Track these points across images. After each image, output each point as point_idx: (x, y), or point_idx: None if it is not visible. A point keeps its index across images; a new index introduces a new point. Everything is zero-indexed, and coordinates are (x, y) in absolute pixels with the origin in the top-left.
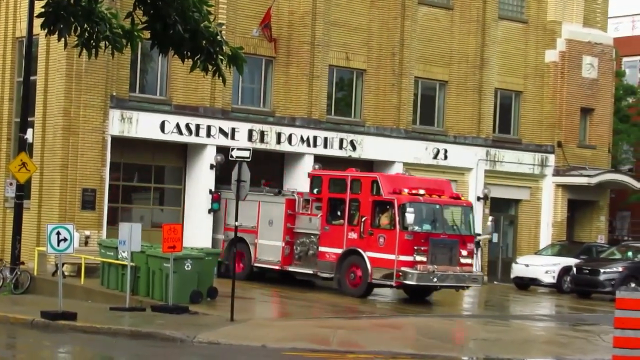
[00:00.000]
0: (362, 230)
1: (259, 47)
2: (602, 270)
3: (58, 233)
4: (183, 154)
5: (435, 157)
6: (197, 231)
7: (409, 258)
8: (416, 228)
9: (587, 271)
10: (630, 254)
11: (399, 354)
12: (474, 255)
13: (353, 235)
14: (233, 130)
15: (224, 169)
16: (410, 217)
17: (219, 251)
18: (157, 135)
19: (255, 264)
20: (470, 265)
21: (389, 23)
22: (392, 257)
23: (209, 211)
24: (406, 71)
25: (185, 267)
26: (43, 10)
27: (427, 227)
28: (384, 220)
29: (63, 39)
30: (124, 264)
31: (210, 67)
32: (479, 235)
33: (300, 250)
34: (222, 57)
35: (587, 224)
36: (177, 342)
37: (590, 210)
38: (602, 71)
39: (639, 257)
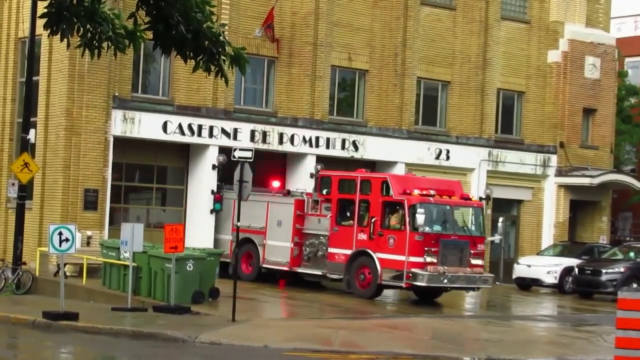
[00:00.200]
0: (372, 231)
1: (261, 47)
2: (604, 271)
3: (60, 233)
4: (185, 154)
5: (437, 157)
6: (199, 231)
7: (419, 259)
8: (426, 229)
9: (589, 272)
10: (632, 254)
11: (400, 354)
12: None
13: (363, 236)
14: (235, 130)
15: (226, 169)
16: (420, 218)
17: (221, 251)
18: (159, 135)
19: (264, 265)
20: (481, 266)
21: (392, 23)
22: (402, 258)
23: (211, 211)
24: (408, 71)
25: (187, 267)
26: (46, 10)
27: (437, 228)
28: (394, 221)
29: (66, 40)
30: (125, 264)
31: (212, 67)
32: (491, 237)
33: (309, 252)
34: (224, 58)
35: (589, 224)
36: (179, 342)
37: (592, 211)
38: (604, 71)
39: None
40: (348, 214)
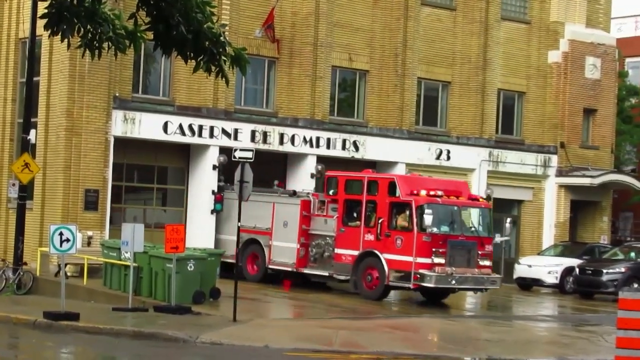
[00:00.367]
0: (379, 231)
1: (261, 48)
2: (604, 271)
3: (61, 233)
4: (186, 154)
5: (438, 157)
6: (200, 232)
7: (427, 260)
8: (434, 230)
9: (590, 272)
10: (632, 254)
11: (401, 354)
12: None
13: (370, 237)
14: (236, 131)
15: (227, 170)
16: (428, 219)
17: (221, 252)
18: (159, 136)
19: (270, 266)
20: (489, 267)
21: (392, 24)
22: (409, 259)
23: (212, 212)
24: (409, 72)
25: (188, 267)
26: (46, 11)
27: (445, 228)
28: (402, 221)
29: (66, 40)
30: (126, 265)
31: (213, 68)
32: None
33: (315, 252)
34: (225, 58)
35: (589, 224)
36: (180, 342)
37: (593, 211)
38: (605, 72)
39: None
40: (355, 214)
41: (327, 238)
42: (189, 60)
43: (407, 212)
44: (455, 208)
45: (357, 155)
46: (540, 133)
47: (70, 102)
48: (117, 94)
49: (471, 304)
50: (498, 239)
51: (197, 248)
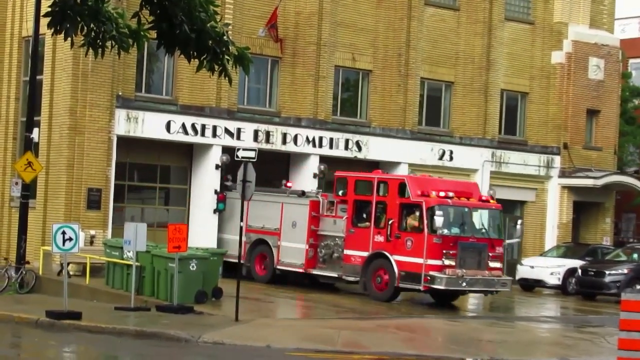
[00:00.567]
0: (389, 233)
1: (265, 47)
2: (607, 272)
3: (63, 232)
4: (189, 154)
5: (440, 158)
6: (203, 231)
7: (438, 262)
8: (445, 231)
9: (593, 273)
10: (635, 256)
11: (403, 354)
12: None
13: (379, 238)
14: (239, 130)
15: (230, 169)
16: (439, 220)
17: (224, 251)
18: (162, 135)
19: (278, 267)
20: (499, 269)
21: (395, 24)
22: (420, 260)
23: (214, 211)
24: (412, 72)
25: (191, 267)
26: (50, 9)
27: (455, 230)
28: (412, 223)
29: (69, 39)
30: (129, 264)
31: (216, 67)
32: (509, 240)
33: (324, 253)
34: (228, 57)
35: (592, 225)
36: (182, 342)
37: (596, 212)
38: (608, 73)
39: None
40: (364, 215)
41: (336, 239)
42: (192, 60)
43: (418, 214)
44: (466, 209)
45: (360, 155)
46: (544, 134)
47: (73, 100)
48: (120, 93)
49: (474, 305)
50: (509, 240)
51: (199, 247)
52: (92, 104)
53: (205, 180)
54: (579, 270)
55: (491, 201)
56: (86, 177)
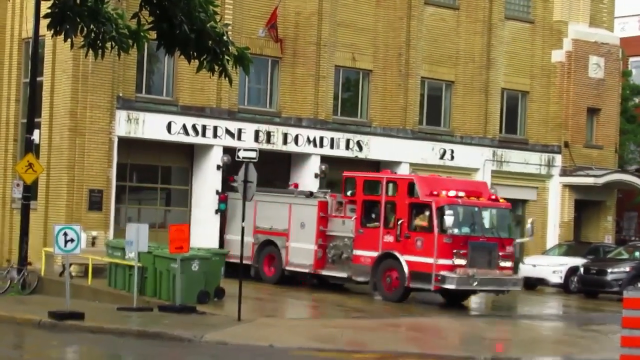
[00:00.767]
0: (398, 233)
1: (265, 47)
2: (609, 271)
3: (65, 234)
4: (189, 154)
5: (441, 157)
6: (204, 232)
7: (448, 262)
8: (455, 231)
9: (595, 271)
10: (637, 254)
11: (405, 353)
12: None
13: (389, 239)
14: (239, 130)
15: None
16: (449, 220)
17: (226, 251)
18: (163, 135)
19: (287, 268)
20: (510, 268)
21: (395, 23)
22: (430, 260)
23: (216, 211)
24: (412, 71)
25: (193, 267)
26: (49, 10)
27: (465, 230)
28: (422, 223)
29: (69, 40)
30: (131, 265)
31: (216, 67)
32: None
33: (333, 254)
34: (228, 58)
35: (594, 224)
36: (185, 342)
37: (597, 211)
38: (608, 71)
39: None
40: (373, 215)
41: (345, 239)
42: (192, 60)
43: (427, 213)
44: (476, 209)
45: (361, 155)
46: (544, 132)
47: (73, 102)
48: (120, 94)
49: (476, 303)
50: (518, 240)
51: (201, 248)
52: (93, 105)
53: (207, 180)
54: (581, 269)
55: (501, 200)
56: (87, 178)
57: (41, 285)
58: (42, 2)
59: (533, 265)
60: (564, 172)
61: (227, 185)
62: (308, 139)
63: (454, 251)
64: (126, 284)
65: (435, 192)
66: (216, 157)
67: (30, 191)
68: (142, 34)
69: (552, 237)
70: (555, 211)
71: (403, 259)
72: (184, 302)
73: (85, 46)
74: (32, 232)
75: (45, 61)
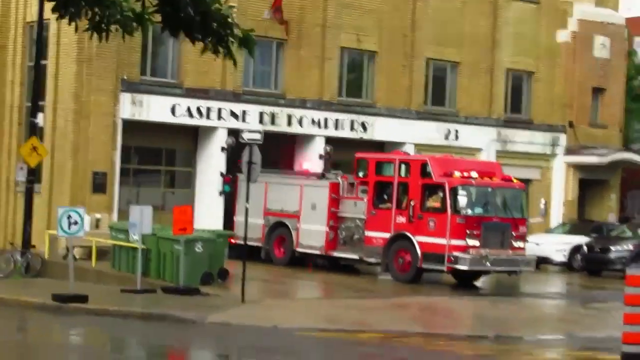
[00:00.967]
0: (411, 214)
1: (270, 29)
2: (612, 249)
3: (69, 216)
4: (194, 136)
5: (446, 137)
6: (208, 213)
7: (461, 242)
8: (468, 211)
9: (598, 249)
10: None
11: (409, 332)
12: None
13: (401, 220)
14: (244, 112)
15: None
16: (462, 201)
17: (230, 233)
18: (168, 118)
19: (298, 249)
20: (523, 249)
21: (400, 4)
22: (443, 241)
23: (220, 193)
24: (418, 52)
25: (196, 249)
26: None
27: (478, 210)
28: (434, 203)
29: (74, 23)
30: (134, 247)
31: (221, 49)
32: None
33: (345, 235)
34: (232, 40)
35: (598, 203)
36: (189, 323)
37: (601, 190)
38: (613, 51)
39: None
40: (385, 196)
41: (357, 221)
42: (196, 42)
43: (440, 194)
44: (489, 189)
45: (366, 136)
46: (549, 112)
47: (78, 85)
48: (125, 77)
49: (480, 282)
50: (532, 219)
51: (205, 229)
52: (97, 88)
53: (211, 162)
54: (585, 247)
55: (514, 180)
56: (91, 161)
57: (45, 268)
58: None
59: (537, 244)
60: (569, 152)
61: (236, 166)
62: (313, 120)
63: (467, 232)
64: (130, 266)
65: (448, 173)
66: (221, 139)
67: (34, 174)
68: (146, 16)
69: (556, 215)
70: (559, 190)
71: (416, 239)
72: (187, 284)
73: (89, 29)
74: (36, 215)
75: (49, 44)
